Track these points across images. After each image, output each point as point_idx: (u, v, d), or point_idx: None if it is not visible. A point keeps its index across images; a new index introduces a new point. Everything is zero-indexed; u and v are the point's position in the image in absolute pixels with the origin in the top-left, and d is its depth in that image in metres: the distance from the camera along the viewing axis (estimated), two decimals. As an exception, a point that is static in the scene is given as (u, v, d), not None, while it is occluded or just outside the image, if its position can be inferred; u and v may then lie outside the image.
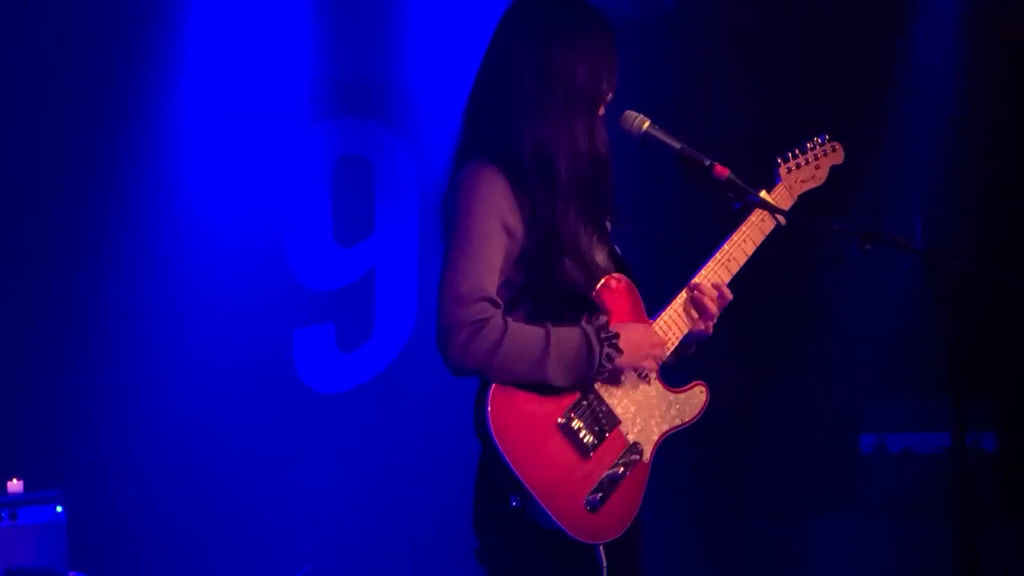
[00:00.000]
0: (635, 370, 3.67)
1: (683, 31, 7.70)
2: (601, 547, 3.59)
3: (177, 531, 7.02)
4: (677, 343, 3.80)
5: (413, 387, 7.42)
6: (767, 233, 3.94)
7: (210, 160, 7.32)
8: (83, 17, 6.91)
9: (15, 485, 6.07)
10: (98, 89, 6.98)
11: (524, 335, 3.51)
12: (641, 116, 3.80)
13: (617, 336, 3.59)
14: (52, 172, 6.93)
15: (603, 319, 3.61)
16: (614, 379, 3.65)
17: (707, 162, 3.77)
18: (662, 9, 7.70)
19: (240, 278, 7.35)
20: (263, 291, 7.44)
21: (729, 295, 3.87)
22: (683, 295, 3.82)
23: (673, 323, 3.80)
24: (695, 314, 3.82)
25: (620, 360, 3.60)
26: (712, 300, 3.82)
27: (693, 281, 3.84)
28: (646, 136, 3.79)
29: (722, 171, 3.77)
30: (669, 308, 3.80)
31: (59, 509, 6.06)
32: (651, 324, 3.74)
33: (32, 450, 6.67)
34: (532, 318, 3.59)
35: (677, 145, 3.79)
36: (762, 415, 7.36)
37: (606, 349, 3.55)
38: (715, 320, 3.85)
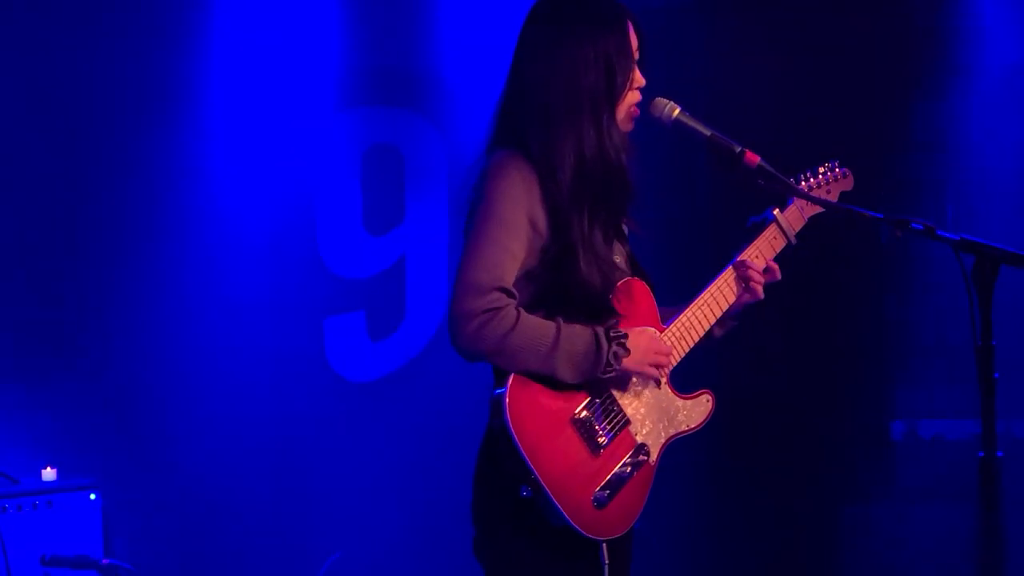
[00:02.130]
0: (640, 375, 3.69)
1: (710, 18, 7.68)
2: (605, 544, 3.62)
3: (209, 518, 7.05)
4: (712, 324, 3.85)
5: (444, 375, 7.41)
6: (778, 251, 3.97)
7: (240, 149, 7.33)
8: (111, 6, 6.94)
9: (49, 473, 6.11)
10: (127, 80, 7.01)
11: (535, 327, 3.54)
12: (671, 103, 3.81)
13: (625, 337, 3.61)
14: (83, 165, 6.96)
15: (612, 321, 3.63)
16: (626, 381, 3.68)
17: (737, 148, 3.77)
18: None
19: (271, 266, 7.37)
20: (294, 279, 7.46)
21: (775, 267, 3.94)
22: (727, 273, 3.88)
23: (715, 300, 3.84)
24: (740, 288, 3.88)
25: (626, 361, 3.62)
26: (757, 271, 3.88)
27: (739, 258, 3.90)
28: (676, 123, 3.80)
29: (753, 158, 3.78)
30: (709, 288, 3.86)
31: (93, 497, 6.10)
32: (664, 330, 3.77)
33: (66, 438, 6.70)
34: (553, 317, 3.61)
35: (707, 131, 3.80)
36: (793, 401, 7.35)
37: (614, 348, 3.58)
38: (762, 286, 3.90)
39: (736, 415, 7.09)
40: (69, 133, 6.93)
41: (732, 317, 3.94)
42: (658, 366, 3.70)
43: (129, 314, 7.02)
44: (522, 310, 3.54)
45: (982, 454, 3.48)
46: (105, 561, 5.84)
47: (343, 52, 7.52)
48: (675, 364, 3.80)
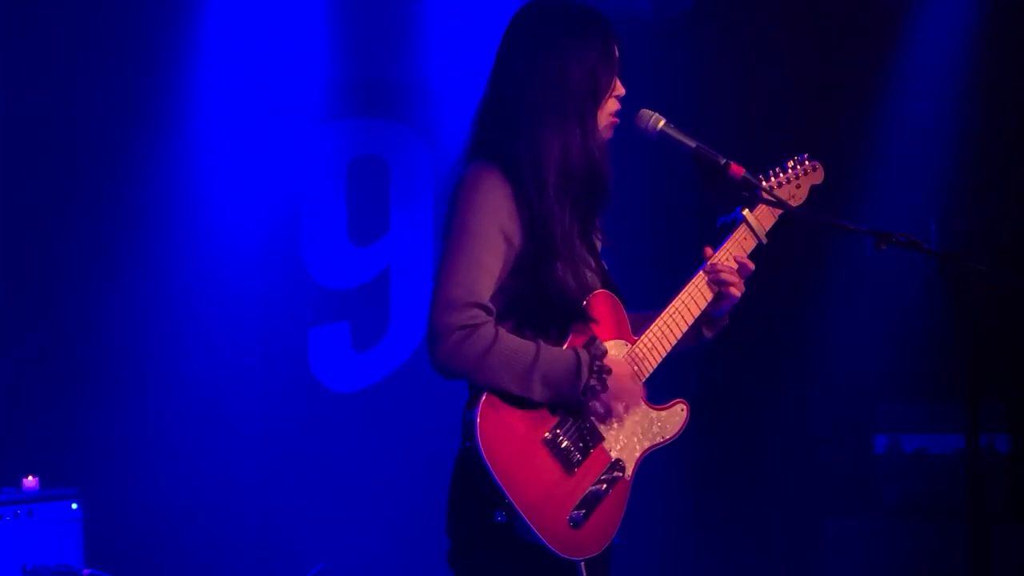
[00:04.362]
0: (608, 409, 3.64)
1: (698, 31, 7.70)
2: (582, 563, 3.59)
3: (191, 528, 7.04)
4: (684, 330, 3.81)
5: (427, 386, 7.36)
6: (748, 251, 3.94)
7: (227, 159, 7.34)
8: (100, 18, 6.94)
9: (31, 482, 6.09)
10: (115, 90, 7.01)
11: (514, 347, 3.51)
12: (656, 115, 3.80)
13: (608, 372, 3.58)
14: (70, 174, 6.96)
15: (601, 349, 3.60)
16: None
17: (722, 161, 3.77)
18: (678, 10, 7.70)
19: (256, 276, 7.37)
20: (279, 290, 7.46)
21: (750, 264, 3.88)
22: (699, 277, 3.84)
23: (686, 307, 3.81)
24: (715, 291, 3.84)
25: (601, 397, 3.59)
26: (731, 274, 3.84)
27: (710, 262, 3.85)
28: (661, 135, 3.79)
29: (737, 170, 3.77)
30: (680, 295, 3.82)
31: (75, 506, 6.08)
32: (636, 340, 3.73)
33: (48, 447, 6.69)
34: (524, 326, 3.59)
35: (692, 143, 3.79)
36: (777, 415, 7.36)
37: (592, 382, 3.55)
38: (741, 289, 3.85)
39: (718, 428, 7.11)
40: (60, 145, 6.93)
41: (720, 318, 3.92)
42: (627, 407, 3.66)
43: (114, 324, 7.01)
44: (500, 328, 3.52)
45: (964, 469, 3.47)
46: (86, 571, 5.83)
47: (329, 64, 7.53)
48: (649, 373, 3.78)
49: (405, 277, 7.74)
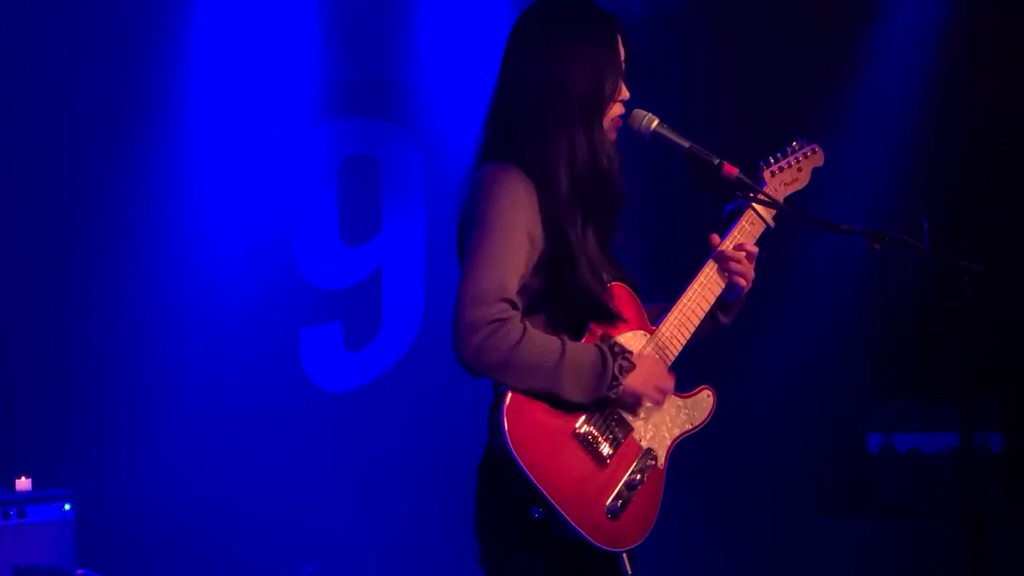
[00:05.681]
0: (644, 397, 3.63)
1: (691, 30, 7.70)
2: (624, 554, 3.58)
3: (184, 529, 7.03)
4: (704, 315, 3.82)
5: (420, 386, 7.42)
6: (757, 237, 3.94)
7: (219, 159, 7.33)
8: (90, 17, 6.93)
9: (23, 483, 6.09)
10: (105, 90, 7.01)
11: (541, 342, 3.48)
12: (650, 115, 3.78)
13: (630, 353, 3.57)
14: (62, 174, 6.95)
15: (614, 342, 3.58)
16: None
17: (716, 161, 3.76)
18: (669, 8, 7.70)
19: (248, 277, 7.36)
20: (271, 290, 7.45)
21: (754, 250, 3.88)
22: (710, 266, 3.84)
23: (701, 294, 3.82)
24: (725, 280, 3.84)
25: (631, 379, 3.57)
26: (738, 262, 3.84)
27: (718, 250, 3.84)
28: (655, 135, 3.78)
29: (731, 170, 3.77)
30: (692, 285, 3.82)
31: (67, 507, 6.07)
32: (654, 331, 3.73)
33: (40, 448, 6.68)
34: (550, 325, 3.58)
35: (686, 144, 3.78)
36: (770, 414, 7.36)
37: (619, 362, 3.53)
38: (750, 276, 3.86)
39: (712, 427, 7.10)
40: (50, 144, 6.93)
41: (734, 303, 3.92)
42: (662, 392, 3.66)
43: (106, 324, 7.01)
44: (528, 324, 3.49)
45: (960, 468, 3.47)
46: (79, 572, 5.82)
47: (321, 64, 7.52)
48: (671, 361, 3.75)
49: (397, 277, 7.73)
